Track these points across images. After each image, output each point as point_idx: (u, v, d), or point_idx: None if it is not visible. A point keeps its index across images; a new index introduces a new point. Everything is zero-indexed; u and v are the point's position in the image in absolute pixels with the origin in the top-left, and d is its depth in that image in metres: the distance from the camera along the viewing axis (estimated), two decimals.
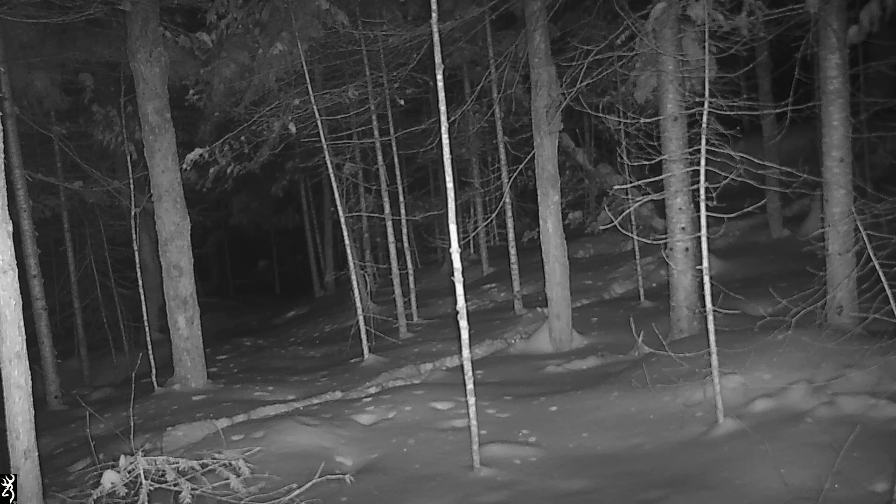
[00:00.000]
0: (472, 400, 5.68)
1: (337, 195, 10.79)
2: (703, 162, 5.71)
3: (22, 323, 4.29)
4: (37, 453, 4.34)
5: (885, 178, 12.06)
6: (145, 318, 10.14)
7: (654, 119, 7.89)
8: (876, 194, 6.90)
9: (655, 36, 7.93)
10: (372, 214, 15.01)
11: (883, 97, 8.94)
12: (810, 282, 6.88)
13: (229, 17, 11.00)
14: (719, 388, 5.70)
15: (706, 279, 5.75)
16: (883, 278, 5.14)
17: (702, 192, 5.71)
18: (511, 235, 12.13)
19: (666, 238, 8.34)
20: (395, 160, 12.80)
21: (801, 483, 4.63)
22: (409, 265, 13.15)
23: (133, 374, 7.33)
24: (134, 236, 10.13)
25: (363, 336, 10.42)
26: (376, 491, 5.51)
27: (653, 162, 7.31)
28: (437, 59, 5.53)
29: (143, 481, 4.31)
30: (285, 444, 6.36)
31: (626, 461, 5.62)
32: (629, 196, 8.37)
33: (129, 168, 10.42)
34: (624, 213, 7.09)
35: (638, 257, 11.55)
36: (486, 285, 14.88)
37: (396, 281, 12.64)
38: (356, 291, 10.78)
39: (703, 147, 5.68)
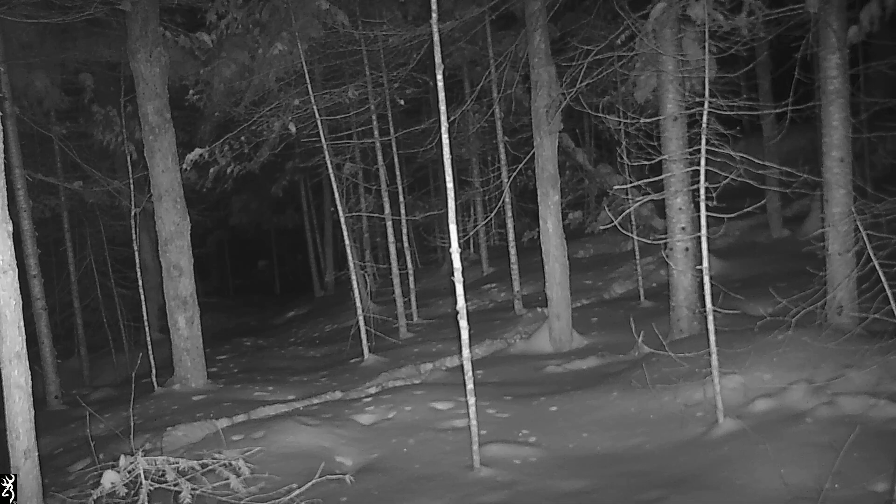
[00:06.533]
0: (472, 400, 5.68)
1: (337, 195, 10.79)
2: (703, 162, 5.71)
3: (22, 323, 4.29)
4: (37, 453, 4.33)
5: (885, 178, 12.06)
6: (145, 318, 10.14)
7: (654, 119, 7.88)
8: (876, 194, 6.90)
9: (655, 36, 7.93)
10: (372, 214, 15.02)
11: (883, 97, 8.94)
12: (810, 282, 6.88)
13: (229, 17, 11.00)
14: (719, 388, 5.70)
15: (706, 279, 5.75)
16: (883, 278, 5.14)
17: (702, 192, 5.71)
18: (511, 235, 12.13)
19: (666, 238, 8.34)
20: (395, 160, 12.80)
21: (801, 483, 4.63)
22: (409, 265, 13.15)
23: (133, 374, 7.32)
24: (134, 236, 10.13)
25: (363, 336, 10.42)
26: (376, 491, 5.51)
27: (653, 162, 7.31)
28: (437, 59, 5.54)
29: (143, 481, 4.31)
30: (285, 444, 6.36)
31: (626, 461, 5.62)
32: (629, 196, 8.37)
33: (129, 168, 10.42)
34: (624, 213, 7.09)
35: (638, 257, 11.55)
36: (486, 285, 14.88)
37: (396, 281, 12.64)
38: (356, 291, 10.78)
39: (703, 147, 5.68)
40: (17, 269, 4.30)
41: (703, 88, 5.79)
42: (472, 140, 15.67)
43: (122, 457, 4.40)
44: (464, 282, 5.63)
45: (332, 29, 10.83)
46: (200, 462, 4.57)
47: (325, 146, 10.54)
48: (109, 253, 15.94)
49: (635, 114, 8.54)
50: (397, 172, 12.88)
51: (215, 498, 4.80)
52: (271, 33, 10.78)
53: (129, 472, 4.32)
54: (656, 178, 7.51)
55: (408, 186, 18.20)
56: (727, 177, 5.79)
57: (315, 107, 10.43)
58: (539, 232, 9.58)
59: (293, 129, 11.50)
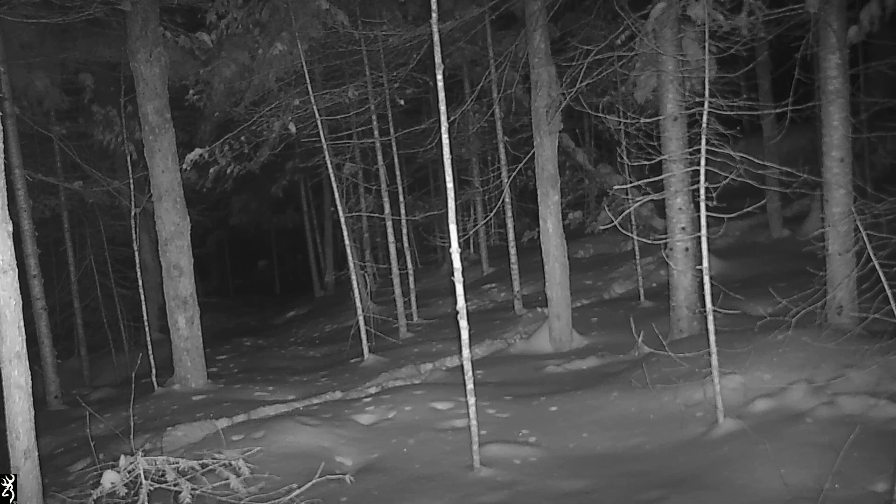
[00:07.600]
0: (472, 400, 5.68)
1: (337, 195, 10.79)
2: (703, 162, 5.71)
3: (22, 323, 4.29)
4: (37, 453, 4.33)
5: (885, 178, 12.06)
6: (145, 318, 10.14)
7: (654, 119, 7.88)
8: (876, 194, 6.90)
9: (655, 36, 7.93)
10: (372, 214, 15.02)
11: (883, 97, 8.94)
12: (810, 282, 6.88)
13: (229, 17, 11.00)
14: (719, 388, 5.70)
15: (706, 279, 5.75)
16: (883, 278, 5.14)
17: (702, 192, 5.71)
18: (511, 235, 12.13)
19: (666, 238, 8.34)
20: (395, 160, 12.80)
21: (801, 483, 4.63)
22: (409, 265, 13.15)
23: (133, 374, 7.33)
24: (134, 236, 10.13)
25: (363, 336, 10.42)
26: (376, 491, 5.51)
27: (653, 162, 7.31)
28: (437, 59, 5.54)
29: (143, 481, 4.31)
30: (285, 444, 6.36)
31: (626, 461, 5.62)
32: (629, 196, 8.36)
33: (129, 168, 10.41)
34: (624, 213, 7.09)
35: (638, 257, 11.54)
36: (486, 285, 14.88)
37: (396, 281, 12.64)
38: (356, 291, 10.79)
39: (703, 147, 5.68)
40: (17, 269, 4.30)
41: (703, 88, 5.79)
42: (472, 140, 15.67)
43: (122, 457, 4.40)
44: (464, 282, 5.63)
45: (332, 29, 10.83)
46: (200, 462, 4.57)
47: (325, 146, 10.54)
48: (109, 253, 15.93)
49: (635, 114, 8.54)
50: (397, 172, 12.88)
51: (215, 498, 4.80)
52: (271, 33, 10.78)
53: (129, 472, 4.32)
54: (656, 178, 7.51)
55: (408, 186, 18.20)
56: (727, 177, 5.79)
57: (315, 107, 10.43)
58: (539, 232, 9.58)
59: (293, 129, 11.50)
